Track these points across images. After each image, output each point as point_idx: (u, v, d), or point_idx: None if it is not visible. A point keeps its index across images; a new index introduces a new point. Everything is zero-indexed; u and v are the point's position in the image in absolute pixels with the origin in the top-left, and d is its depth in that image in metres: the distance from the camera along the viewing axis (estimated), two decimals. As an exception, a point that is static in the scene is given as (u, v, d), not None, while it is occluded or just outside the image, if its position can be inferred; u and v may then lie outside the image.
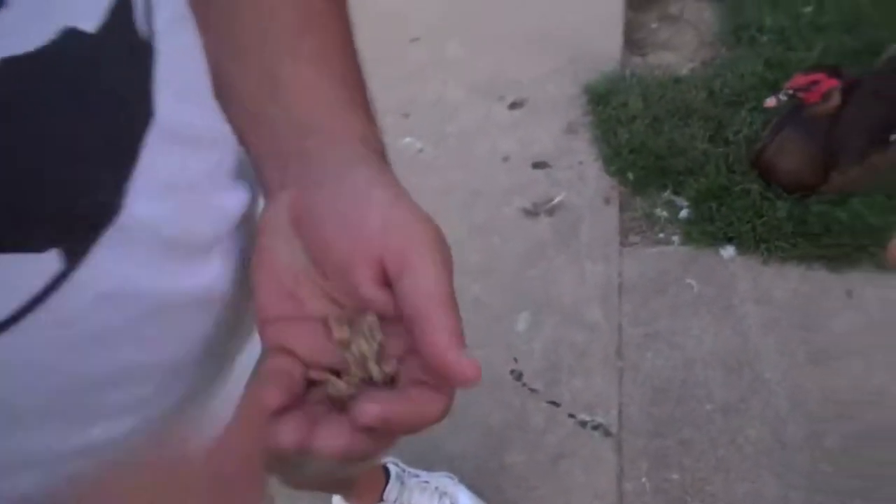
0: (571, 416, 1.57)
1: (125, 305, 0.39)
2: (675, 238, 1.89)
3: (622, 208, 2.01)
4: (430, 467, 1.48)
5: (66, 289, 0.35)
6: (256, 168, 0.46)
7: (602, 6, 2.73)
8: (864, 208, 1.73)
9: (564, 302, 1.80)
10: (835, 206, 1.75)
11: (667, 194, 1.98)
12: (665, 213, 1.95)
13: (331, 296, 0.41)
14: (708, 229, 1.84)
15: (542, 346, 1.72)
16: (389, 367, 0.40)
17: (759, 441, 1.46)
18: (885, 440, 1.40)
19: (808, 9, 2.36)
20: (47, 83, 0.32)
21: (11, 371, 0.35)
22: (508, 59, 2.59)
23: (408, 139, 2.38)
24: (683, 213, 1.92)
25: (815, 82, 1.66)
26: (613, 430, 1.53)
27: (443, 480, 1.44)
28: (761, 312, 1.67)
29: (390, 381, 0.39)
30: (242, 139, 0.46)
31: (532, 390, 1.63)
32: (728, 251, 1.80)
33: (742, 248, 1.79)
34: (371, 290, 0.38)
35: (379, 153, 0.45)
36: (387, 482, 1.38)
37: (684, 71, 2.38)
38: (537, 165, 2.19)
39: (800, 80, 1.68)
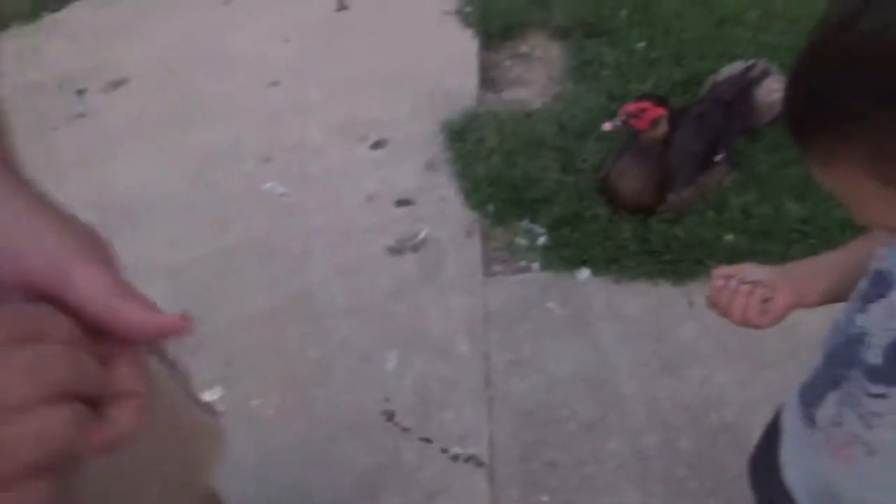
0: (444, 450, 1.57)
1: None
2: (535, 265, 1.97)
3: (484, 240, 2.06)
4: (301, 521, 1.43)
5: None
6: None
7: (457, 46, 2.84)
8: (698, 225, 1.87)
9: (432, 336, 1.82)
10: (673, 224, 1.89)
11: (525, 223, 2.06)
12: (525, 242, 2.02)
13: None
14: (564, 254, 1.93)
15: (413, 382, 1.72)
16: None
17: (619, 454, 1.52)
18: (729, 439, 1.50)
19: (642, 45, 2.57)
20: None
21: None
22: (368, 100, 2.62)
23: (270, 184, 2.35)
24: (541, 241, 2.00)
25: (643, 109, 1.80)
26: (485, 459, 1.55)
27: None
28: (616, 329, 1.76)
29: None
30: None
31: (404, 429, 1.62)
32: (583, 273, 1.88)
33: (595, 269, 1.88)
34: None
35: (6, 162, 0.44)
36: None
37: (536, 105, 2.51)
38: (401, 203, 2.22)
39: (629, 107, 1.82)
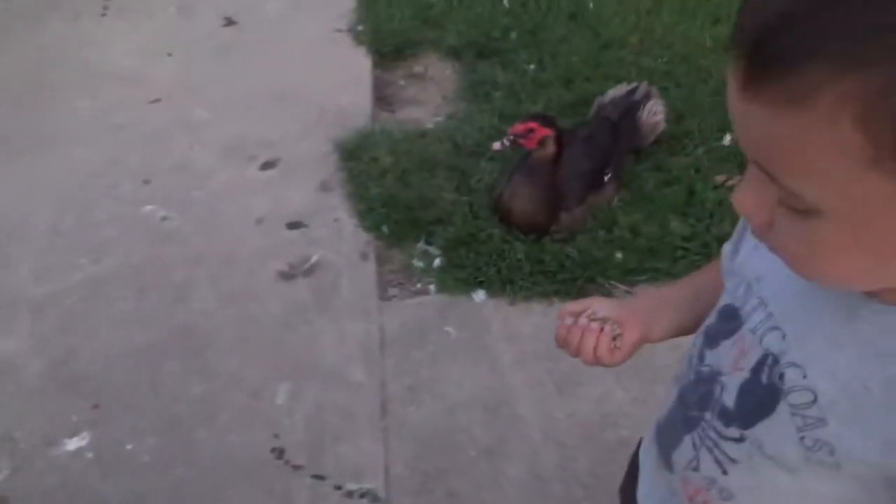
0: (338, 487, 1.49)
1: None
2: (432, 287, 1.93)
3: (379, 262, 2.01)
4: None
5: None
6: None
7: (350, 65, 2.78)
8: (590, 244, 1.90)
9: (326, 365, 1.74)
10: (565, 243, 1.91)
11: (421, 245, 2.03)
12: (421, 264, 1.98)
13: None
14: (460, 276, 1.90)
15: (305, 416, 1.63)
16: None
17: (518, 478, 1.50)
18: (626, 455, 1.51)
19: (532, 66, 2.61)
20: None
21: None
22: (257, 119, 2.52)
23: (149, 207, 2.19)
24: (437, 262, 1.97)
25: (530, 130, 1.81)
26: (382, 494, 1.48)
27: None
28: (512, 350, 1.75)
29: None
30: None
31: (295, 467, 1.53)
32: (479, 295, 1.87)
33: (491, 290, 1.87)
34: None
35: None
36: None
37: (430, 125, 2.49)
38: (292, 226, 2.13)
39: (518, 127, 1.83)
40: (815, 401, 0.53)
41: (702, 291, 0.80)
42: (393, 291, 1.94)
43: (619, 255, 1.89)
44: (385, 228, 2.07)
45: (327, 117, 2.53)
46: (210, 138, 2.45)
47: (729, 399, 0.62)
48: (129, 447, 1.58)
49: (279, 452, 1.55)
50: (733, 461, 0.62)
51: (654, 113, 2.15)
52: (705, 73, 2.49)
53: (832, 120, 0.38)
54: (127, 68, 2.79)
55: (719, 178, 2.10)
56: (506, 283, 1.86)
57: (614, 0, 2.93)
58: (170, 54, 2.86)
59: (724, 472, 0.63)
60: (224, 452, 1.56)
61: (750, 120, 0.43)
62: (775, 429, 0.56)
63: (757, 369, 0.58)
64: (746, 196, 0.48)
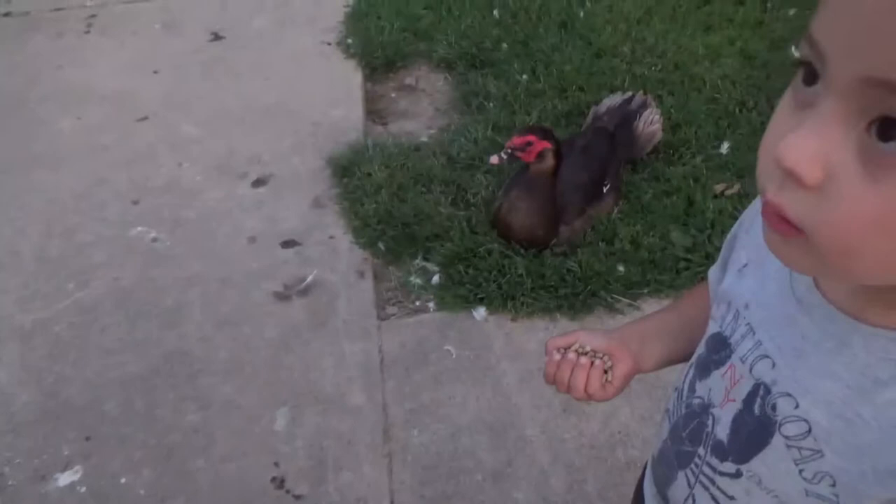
0: (342, 516, 1.45)
1: None
2: (431, 304, 1.89)
3: (377, 280, 1.97)
4: None
5: None
6: None
7: (340, 78, 2.75)
8: (591, 257, 1.87)
9: (326, 389, 1.69)
10: (566, 257, 1.88)
11: (418, 261, 1.99)
12: (419, 281, 1.94)
13: None
14: (459, 292, 1.86)
15: (305, 442, 1.58)
16: None
17: (526, 502, 1.45)
18: (636, 475, 1.48)
19: (525, 77, 2.59)
20: None
21: None
22: (247, 135, 2.47)
23: (139, 228, 2.14)
24: (436, 279, 1.93)
25: (528, 143, 1.78)
26: (387, 522, 1.44)
27: None
28: (516, 369, 1.71)
29: None
30: None
31: (296, 496, 1.48)
32: (480, 312, 1.83)
33: (492, 307, 1.83)
34: None
35: None
36: None
37: (423, 138, 2.46)
38: (286, 244, 2.09)
39: (515, 140, 1.80)
40: (809, 431, 0.51)
41: (690, 319, 0.78)
42: (391, 310, 1.90)
43: (620, 267, 1.85)
44: (381, 245, 2.03)
45: (319, 132, 2.49)
46: (199, 156, 2.41)
47: (722, 432, 0.59)
48: (123, 480, 1.52)
49: (279, 481, 1.50)
50: (731, 498, 0.59)
51: (651, 122, 2.13)
52: (699, 82, 2.48)
53: None
54: (112, 86, 2.73)
55: (718, 188, 2.07)
56: (507, 299, 1.83)
57: (604, 9, 2.91)
58: (156, 71, 2.81)
59: None
60: (222, 483, 1.51)
61: None
62: (772, 462, 0.54)
63: (749, 400, 0.56)
64: (808, 140, 0.38)
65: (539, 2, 2.95)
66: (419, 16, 2.99)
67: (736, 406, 0.58)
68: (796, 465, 0.52)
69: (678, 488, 0.66)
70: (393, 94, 2.75)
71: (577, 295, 1.81)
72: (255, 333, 1.83)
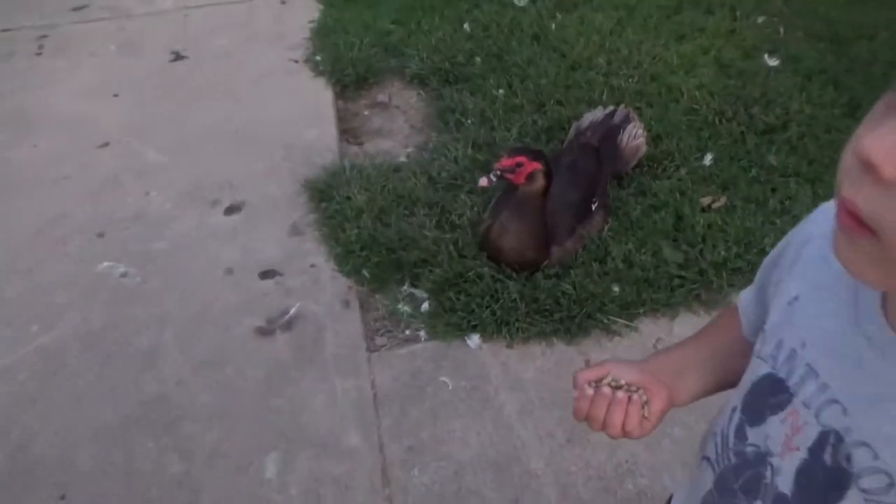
0: (344, 569, 1.36)
1: None
2: (421, 333, 1.82)
3: (363, 309, 1.89)
4: None
5: None
6: None
7: (310, 97, 2.66)
8: (585, 278, 1.83)
9: (318, 430, 1.60)
10: (559, 279, 1.83)
11: (406, 288, 1.91)
12: (408, 309, 1.87)
13: None
14: (452, 320, 1.80)
15: (299, 490, 1.49)
16: None
17: (539, 544, 1.40)
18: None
19: (501, 91, 2.54)
20: None
21: None
22: (217, 160, 2.37)
23: (106, 264, 2.02)
24: (425, 306, 1.86)
25: (519, 164, 1.72)
26: (393, 573, 1.36)
27: None
28: (516, 399, 1.65)
29: None
30: None
31: (294, 551, 1.39)
32: (474, 340, 1.76)
33: (486, 334, 1.77)
34: None
35: None
36: None
37: (402, 158, 2.39)
38: (266, 275, 1.99)
39: (505, 162, 1.74)
40: (892, 485, 0.47)
41: (721, 349, 0.75)
42: (381, 341, 1.82)
43: (615, 288, 1.81)
44: (366, 272, 1.95)
45: (292, 154, 2.40)
46: (167, 183, 2.29)
47: (784, 484, 0.54)
48: (103, 544, 1.41)
49: (275, 536, 1.41)
50: None
51: (635, 136, 2.10)
52: (676, 92, 2.46)
53: None
54: (69, 111, 2.60)
55: (705, 200, 2.05)
56: (501, 326, 1.77)
57: (575, 20, 2.89)
58: (115, 94, 2.68)
59: None
60: (213, 540, 1.41)
61: None
62: None
63: (816, 449, 0.52)
64: (890, 135, 0.39)
65: (510, 15, 2.92)
66: (388, 31, 2.92)
67: (800, 455, 0.53)
68: None
69: None
70: (366, 112, 2.68)
71: (573, 318, 1.76)
72: (238, 373, 1.73)
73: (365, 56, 2.76)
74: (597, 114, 2.20)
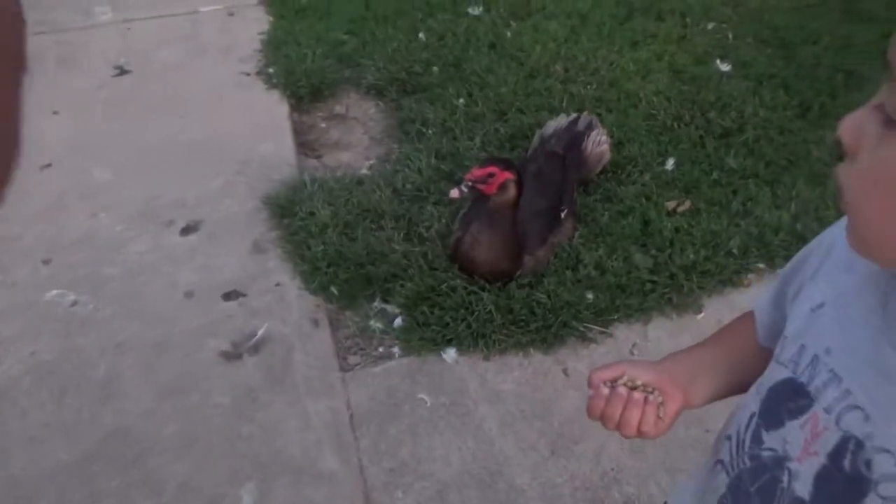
0: None
1: None
2: (395, 349, 1.77)
3: (333, 328, 1.83)
4: None
5: None
6: None
7: (265, 110, 2.58)
8: (558, 286, 1.81)
9: (293, 456, 1.54)
10: (533, 289, 1.81)
11: (377, 304, 1.87)
12: (379, 325, 1.82)
13: None
14: (426, 335, 1.76)
15: (278, 521, 1.42)
16: None
17: (532, 562, 1.36)
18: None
19: (461, 101, 2.52)
20: None
21: None
22: (168, 178, 2.27)
23: (54, 292, 1.90)
24: (398, 322, 1.81)
25: (490, 174, 1.70)
26: None
27: None
28: (496, 412, 1.62)
29: None
30: None
31: (277, 587, 1.32)
32: (450, 354, 1.73)
33: (462, 347, 1.74)
34: None
35: None
36: None
37: (364, 170, 2.34)
38: (228, 296, 1.91)
39: (477, 172, 1.72)
40: None
41: (735, 353, 0.76)
42: (354, 359, 1.77)
43: (589, 295, 1.80)
44: (334, 289, 1.89)
45: (248, 170, 2.32)
46: (116, 204, 2.18)
47: (802, 489, 0.54)
48: None
49: (255, 573, 1.34)
50: None
51: (599, 143, 2.11)
52: (634, 98, 2.49)
53: None
54: (6, 130, 2.45)
55: (670, 205, 2.07)
56: (477, 338, 1.73)
57: (530, 28, 2.90)
58: (55, 112, 2.55)
59: None
60: (187, 582, 1.33)
61: None
62: None
63: (836, 455, 0.52)
64: (854, 114, 0.47)
65: (465, 24, 2.91)
66: (341, 41, 2.87)
67: (819, 460, 0.53)
68: None
69: None
70: (323, 125, 2.62)
71: (548, 327, 1.74)
72: (205, 401, 1.65)
73: (319, 67, 2.70)
74: (560, 121, 2.20)
